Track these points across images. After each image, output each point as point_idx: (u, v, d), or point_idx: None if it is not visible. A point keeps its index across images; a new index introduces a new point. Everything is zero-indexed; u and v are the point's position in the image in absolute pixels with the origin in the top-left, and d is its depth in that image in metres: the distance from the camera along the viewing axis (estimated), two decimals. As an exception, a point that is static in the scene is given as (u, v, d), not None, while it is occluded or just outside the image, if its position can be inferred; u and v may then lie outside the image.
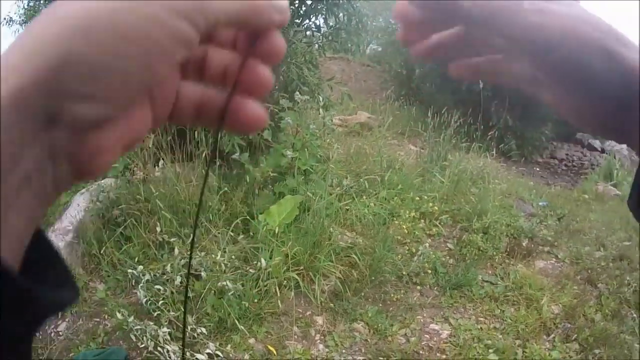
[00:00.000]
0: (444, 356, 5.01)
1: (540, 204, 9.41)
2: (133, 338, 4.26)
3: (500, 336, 5.42)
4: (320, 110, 6.79)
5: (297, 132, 6.21)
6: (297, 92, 6.27)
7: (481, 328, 5.49)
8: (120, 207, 5.48)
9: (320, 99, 6.96)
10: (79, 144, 0.39)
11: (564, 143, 19.27)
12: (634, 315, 6.40)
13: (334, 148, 7.70)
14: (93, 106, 0.38)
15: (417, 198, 7.59)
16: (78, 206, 5.53)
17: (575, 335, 5.70)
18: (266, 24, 0.46)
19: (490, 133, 11.40)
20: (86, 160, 0.40)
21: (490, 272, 6.65)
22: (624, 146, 21.09)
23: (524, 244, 7.44)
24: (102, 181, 5.90)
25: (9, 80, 0.35)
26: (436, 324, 5.50)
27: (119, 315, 4.32)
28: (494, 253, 6.95)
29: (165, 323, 4.41)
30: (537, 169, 14.52)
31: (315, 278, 5.23)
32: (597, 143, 22.74)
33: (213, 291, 4.69)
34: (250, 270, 4.99)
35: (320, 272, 5.33)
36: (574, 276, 6.94)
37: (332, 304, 5.32)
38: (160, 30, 0.38)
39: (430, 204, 7.51)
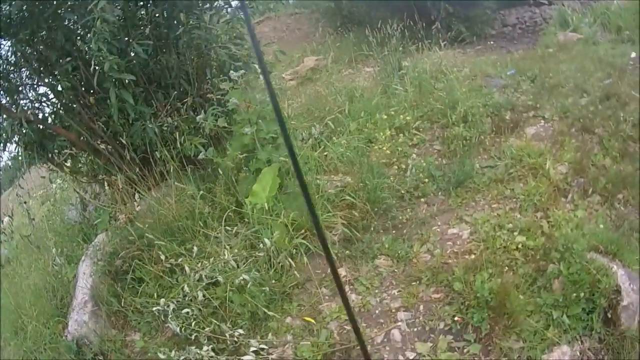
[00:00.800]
0: (472, 256, 5.07)
1: (508, 73, 9.46)
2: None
3: (519, 215, 5.51)
4: (261, 77, 6.79)
5: (247, 107, 6.23)
6: (232, 71, 6.26)
7: (498, 214, 5.57)
8: (120, 256, 5.58)
9: (256, 66, 7.00)
10: None
11: (511, 9, 19.34)
12: (643, 150, 6.48)
13: (287, 105, 7.73)
14: None
15: (386, 116, 7.62)
16: (84, 274, 5.63)
17: (592, 187, 5.82)
18: None
19: (434, 27, 11.55)
20: None
21: (485, 156, 6.76)
22: (571, -8, 20.83)
23: (507, 117, 7.54)
24: (95, 240, 6.03)
25: None
26: (453, 227, 5.59)
27: (161, 356, 4.40)
28: (482, 137, 7.04)
29: (204, 341, 4.47)
30: (492, 42, 14.54)
31: None
32: (542, -4, 22.89)
33: (235, 289, 4.76)
34: (259, 254, 5.04)
35: (323, 226, 5.35)
36: (568, 130, 7.02)
37: (347, 251, 5.39)
38: None
39: (402, 116, 7.57)
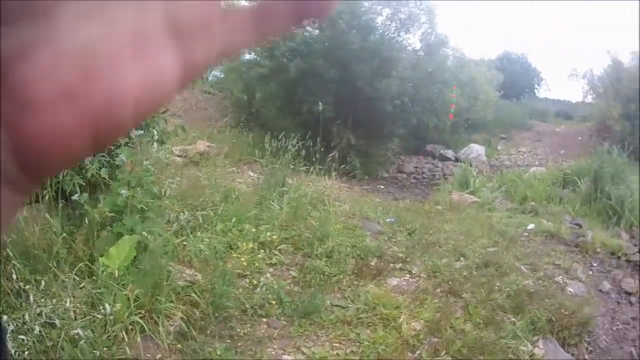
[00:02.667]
0: (302, 388, 5.46)
1: (387, 220, 10.18)
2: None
3: None
4: (155, 144, 7.29)
5: (132, 169, 6.52)
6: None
7: (337, 354, 5.99)
8: (-23, 260, 5.62)
9: (155, 132, 7.40)
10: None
11: (413, 156, 20.38)
12: (513, 319, 7.18)
13: (167, 183, 8.05)
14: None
15: (254, 229, 8.08)
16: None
17: (445, 348, 6.29)
18: None
19: (331, 154, 12.17)
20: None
21: (339, 295, 7.25)
22: (482, 152, 22.60)
23: (372, 263, 8.15)
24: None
25: None
26: (288, 354, 5.94)
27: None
28: (341, 276, 7.57)
29: None
30: (382, 186, 15.41)
31: (159, 320, 5.53)
32: (449, 153, 24.27)
33: (69, 340, 4.90)
34: (98, 315, 5.24)
35: (162, 313, 5.63)
36: (432, 290, 7.66)
37: (179, 345, 5.63)
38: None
39: (269, 233, 8.05)
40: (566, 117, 47.50)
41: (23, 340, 4.75)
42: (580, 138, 32.40)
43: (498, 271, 8.39)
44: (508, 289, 7.79)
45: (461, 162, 20.53)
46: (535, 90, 58.30)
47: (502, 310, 7.35)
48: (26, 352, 4.73)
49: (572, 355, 7.10)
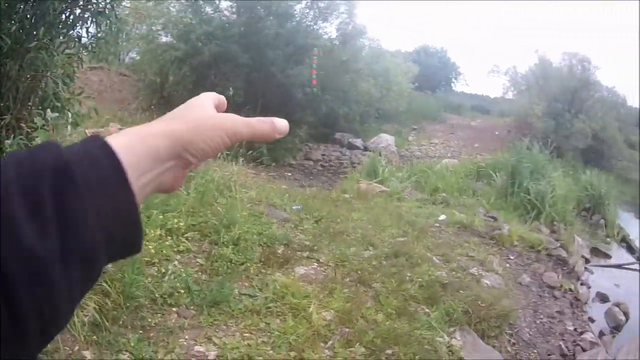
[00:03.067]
0: (216, 379, 5.37)
1: (294, 207, 10.22)
2: None
3: (271, 350, 5.89)
4: (69, 127, 7.10)
5: None
6: (49, 110, 6.46)
7: (249, 344, 5.93)
8: None
9: (69, 115, 7.26)
10: (176, 171, 0.93)
11: (321, 144, 20.48)
12: (427, 310, 7.25)
13: None
14: (194, 157, 0.92)
15: (161, 215, 7.96)
16: None
17: (357, 339, 6.30)
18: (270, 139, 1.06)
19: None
20: (172, 181, 0.94)
21: (247, 284, 7.18)
22: (392, 142, 22.85)
23: (279, 251, 8.13)
24: None
25: (173, 124, 0.93)
26: (200, 345, 5.85)
27: None
28: (248, 264, 7.53)
29: None
30: (289, 173, 15.47)
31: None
32: (358, 142, 24.45)
33: None
34: None
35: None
36: (342, 279, 7.69)
37: (95, 337, 5.50)
38: (221, 142, 0.95)
39: (176, 220, 7.92)
40: (483, 112, 48.43)
41: None
42: (497, 132, 33.08)
43: (409, 261, 8.47)
44: (420, 280, 7.87)
45: (370, 151, 20.71)
46: (452, 84, 59.58)
47: (414, 301, 7.41)
48: None
49: (494, 347, 7.15)
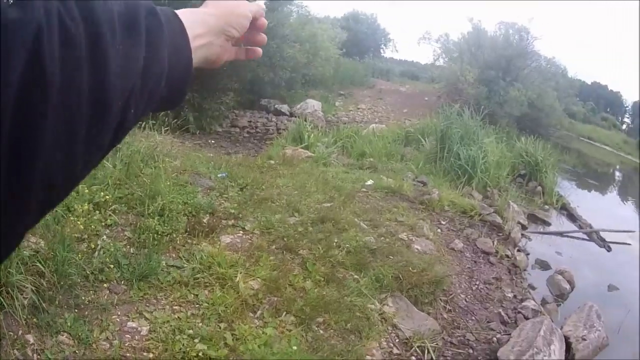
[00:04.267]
0: (150, 355, 5.43)
1: (219, 175, 10.25)
2: None
3: (201, 323, 5.97)
4: None
5: None
6: None
7: (179, 317, 6.00)
8: None
9: None
10: (224, 44, 1.26)
11: (247, 111, 20.47)
12: (355, 276, 7.37)
13: None
14: (236, 31, 1.28)
15: (87, 189, 7.89)
16: None
17: (286, 307, 6.42)
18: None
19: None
20: (221, 53, 1.28)
21: (174, 255, 7.22)
22: (319, 108, 22.92)
23: (204, 220, 8.16)
24: None
25: (218, 6, 1.27)
26: (132, 321, 5.88)
27: None
28: (174, 235, 7.54)
29: None
30: (213, 141, 15.48)
31: (13, 293, 5.38)
32: (284, 108, 24.53)
33: None
34: None
35: (15, 286, 5.45)
36: (267, 247, 7.77)
37: (35, 319, 5.49)
38: (247, 15, 1.33)
39: (103, 193, 7.86)
40: (412, 78, 48.75)
41: None
42: (426, 98, 33.42)
43: (335, 227, 8.57)
44: (348, 246, 7.99)
45: (296, 117, 20.76)
46: (381, 50, 59.48)
47: (342, 267, 7.53)
48: None
49: (429, 314, 7.26)
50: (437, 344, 6.77)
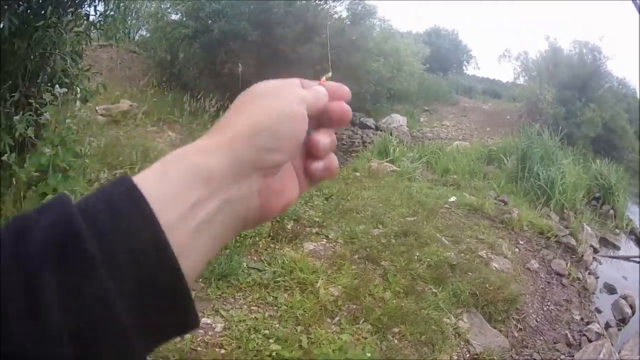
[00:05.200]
0: (222, 351, 5.43)
1: (304, 184, 10.16)
2: None
3: (278, 324, 5.96)
4: (78, 102, 7.27)
5: (55, 127, 6.47)
6: (57, 86, 6.57)
7: (256, 317, 6.00)
8: None
9: (78, 90, 7.40)
10: (265, 185, 0.78)
11: (331, 123, 20.65)
12: (434, 290, 7.30)
13: (87, 142, 7.90)
14: (278, 155, 0.77)
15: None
16: None
17: (364, 315, 6.38)
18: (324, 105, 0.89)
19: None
20: (268, 199, 0.79)
21: (255, 258, 7.25)
22: (404, 123, 22.85)
23: (288, 226, 8.19)
24: None
25: (227, 130, 0.76)
26: (207, 317, 5.91)
27: None
28: (257, 238, 7.60)
29: None
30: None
31: None
32: (370, 121, 24.52)
33: None
34: None
35: None
36: (350, 256, 7.76)
37: None
38: (297, 115, 0.80)
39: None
40: (494, 96, 48.16)
41: None
42: (508, 117, 32.93)
43: (418, 241, 8.51)
44: (428, 260, 7.92)
45: (382, 130, 20.73)
46: (464, 67, 59.00)
47: (422, 281, 7.48)
48: None
49: (500, 331, 7.17)
50: (504, 362, 6.67)
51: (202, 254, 0.69)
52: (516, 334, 7.44)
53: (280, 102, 0.80)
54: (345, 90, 0.94)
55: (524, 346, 7.31)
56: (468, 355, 6.51)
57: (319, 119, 0.89)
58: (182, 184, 0.67)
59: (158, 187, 0.65)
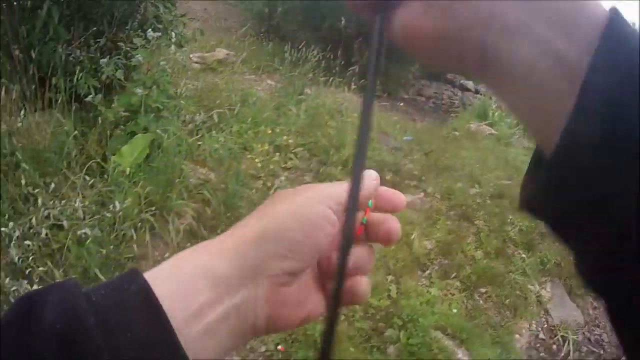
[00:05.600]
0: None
1: (405, 138, 10.35)
2: (12, 299, 4.43)
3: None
4: (173, 47, 7.38)
5: (148, 69, 6.64)
6: (150, 30, 6.72)
7: None
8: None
9: (173, 35, 7.47)
10: (276, 293, 0.69)
11: (433, 82, 20.37)
12: (523, 255, 7.35)
13: (183, 84, 8.06)
14: (287, 262, 0.69)
15: (270, 131, 8.22)
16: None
17: (455, 272, 6.50)
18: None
19: (351, 68, 12.39)
20: (280, 309, 0.70)
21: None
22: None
23: (387, 177, 8.27)
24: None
25: (237, 233, 0.72)
26: None
27: (-5, 279, 4.56)
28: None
29: (37, 280, 4.66)
30: (401, 104, 15.48)
31: (169, 218, 5.65)
32: (470, 84, 24.22)
33: (75, 240, 4.99)
34: (107, 214, 5.31)
35: (173, 211, 5.75)
36: (446, 212, 7.82)
37: (189, 244, 5.58)
38: (315, 215, 0.71)
39: (285, 137, 8.16)
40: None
41: (28, 245, 4.81)
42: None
43: (512, 205, 8.44)
44: (520, 224, 7.90)
45: (481, 94, 20.52)
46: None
47: (513, 244, 7.50)
48: (30, 258, 4.80)
49: (578, 306, 7.15)
50: (577, 338, 6.67)
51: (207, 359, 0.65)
52: (591, 312, 7.35)
53: (296, 202, 0.74)
54: (400, 198, 0.86)
55: (596, 325, 7.21)
56: (546, 326, 6.54)
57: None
58: (191, 285, 0.66)
59: (167, 287, 0.65)
